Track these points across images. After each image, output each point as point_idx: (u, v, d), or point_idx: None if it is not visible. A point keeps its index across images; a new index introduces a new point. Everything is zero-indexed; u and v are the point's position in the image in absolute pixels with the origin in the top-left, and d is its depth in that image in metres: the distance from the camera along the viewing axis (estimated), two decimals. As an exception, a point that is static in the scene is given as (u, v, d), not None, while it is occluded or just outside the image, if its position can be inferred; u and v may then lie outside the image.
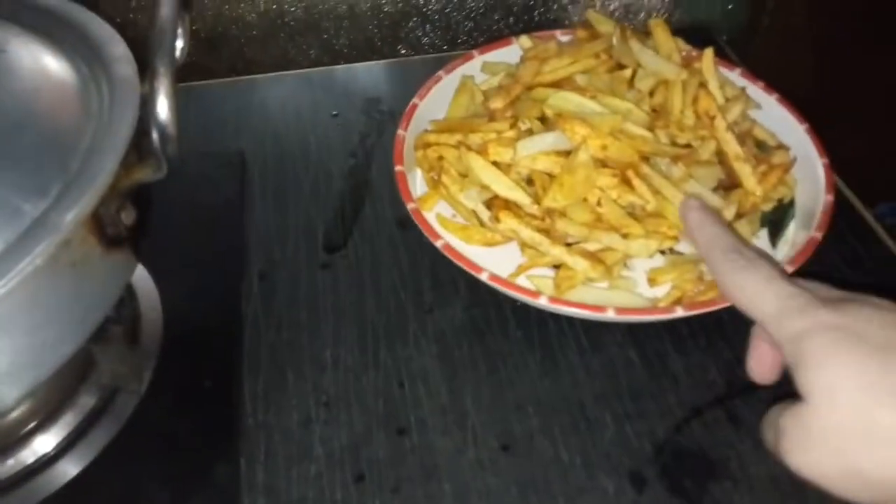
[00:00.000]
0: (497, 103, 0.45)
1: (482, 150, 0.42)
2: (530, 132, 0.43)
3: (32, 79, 0.34)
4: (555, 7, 0.68)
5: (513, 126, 0.43)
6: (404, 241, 0.47)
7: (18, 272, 0.27)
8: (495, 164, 0.42)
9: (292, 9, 0.63)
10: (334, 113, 0.58)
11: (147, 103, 0.29)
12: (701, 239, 0.34)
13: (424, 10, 0.66)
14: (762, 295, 0.30)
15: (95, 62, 0.35)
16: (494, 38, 0.57)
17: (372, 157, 0.54)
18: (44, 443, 0.38)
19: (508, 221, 0.41)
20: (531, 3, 0.68)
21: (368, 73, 0.63)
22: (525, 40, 0.51)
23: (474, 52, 0.53)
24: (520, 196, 0.41)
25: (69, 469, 0.37)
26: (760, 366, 0.33)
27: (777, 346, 0.29)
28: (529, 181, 0.42)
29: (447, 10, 0.66)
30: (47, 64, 0.34)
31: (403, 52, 0.68)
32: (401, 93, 0.57)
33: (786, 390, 0.29)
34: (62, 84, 0.34)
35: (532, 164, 0.41)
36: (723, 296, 0.32)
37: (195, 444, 0.37)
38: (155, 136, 0.29)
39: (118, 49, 0.35)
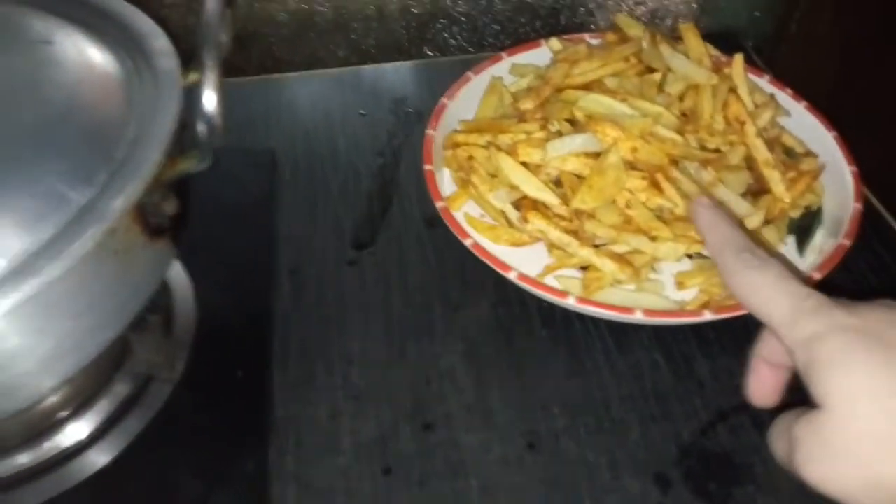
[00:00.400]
0: (527, 104, 0.45)
1: (512, 151, 0.43)
2: (560, 134, 0.43)
3: (78, 70, 0.34)
4: (581, 11, 0.69)
5: (542, 127, 0.44)
6: (432, 239, 0.48)
7: (67, 258, 0.27)
8: (525, 164, 0.43)
9: (322, 9, 0.64)
10: (362, 112, 0.58)
11: (193, 95, 0.30)
12: (712, 238, 0.33)
13: (452, 12, 0.66)
14: (775, 295, 0.28)
15: (138, 55, 0.35)
16: (521, 40, 0.57)
17: (400, 156, 0.54)
18: (78, 429, 0.38)
19: (537, 222, 0.41)
20: (557, 6, 0.68)
21: (396, 74, 0.63)
22: (555, 42, 0.52)
23: (502, 53, 0.54)
24: (549, 197, 0.42)
25: (102, 456, 0.37)
26: (762, 388, 0.32)
27: (788, 350, 0.27)
28: (558, 182, 0.43)
29: (474, 13, 0.67)
30: (92, 56, 0.35)
31: (430, 53, 0.68)
32: (427, 93, 0.58)
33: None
34: (106, 76, 0.34)
35: (561, 166, 0.42)
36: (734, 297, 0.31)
37: (226, 434, 0.38)
38: (201, 127, 0.30)
39: (160, 42, 0.35)
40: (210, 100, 0.29)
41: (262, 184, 0.51)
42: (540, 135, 0.43)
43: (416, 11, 0.65)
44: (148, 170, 0.30)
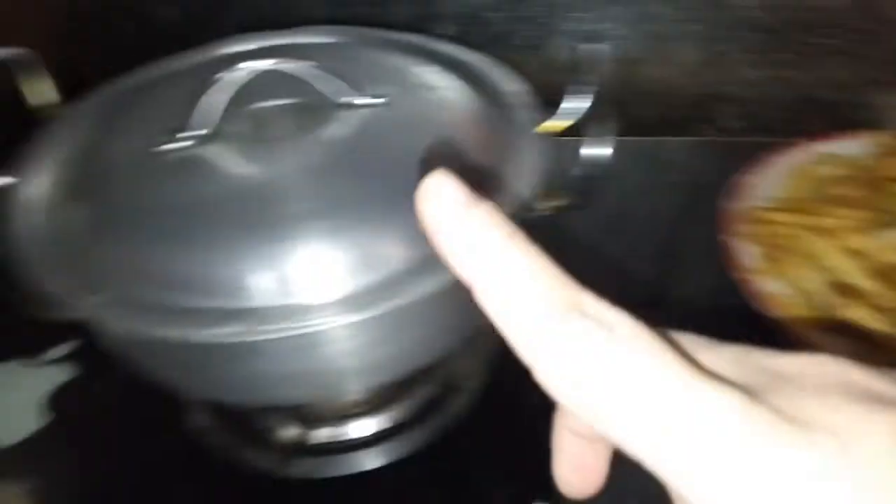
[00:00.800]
0: (850, 191, 0.44)
1: (832, 235, 0.42)
2: (886, 224, 0.42)
3: (455, 113, 0.39)
4: (865, 109, 0.67)
5: (868, 216, 0.43)
6: (720, 309, 0.48)
7: (440, 276, 0.31)
8: (845, 250, 0.42)
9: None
10: (646, 182, 0.60)
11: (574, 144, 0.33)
12: (486, 266, 0.17)
13: (733, 96, 0.67)
14: (679, 412, 0.14)
15: (500, 103, 0.40)
16: (798, 129, 0.57)
17: (685, 226, 0.55)
18: (378, 421, 0.42)
19: (857, 311, 0.40)
20: (838, 99, 0.67)
21: (674, 148, 0.65)
22: (880, 135, 0.51)
23: (802, 139, 0.54)
24: (872, 285, 0.40)
25: (394, 450, 0.41)
26: (575, 470, 0.20)
27: None
28: (879, 272, 0.41)
29: (755, 99, 0.67)
30: (465, 102, 0.40)
31: (711, 132, 0.69)
32: (710, 169, 0.59)
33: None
34: (476, 119, 0.39)
35: (888, 257, 0.40)
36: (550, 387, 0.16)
37: (511, 454, 0.40)
38: (580, 171, 0.33)
39: (522, 96, 0.40)
40: (590, 149, 0.33)
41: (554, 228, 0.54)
42: (864, 222, 0.42)
43: (698, 91, 0.67)
44: (518, 203, 0.34)
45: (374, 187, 0.35)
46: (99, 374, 0.47)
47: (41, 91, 0.43)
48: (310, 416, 0.42)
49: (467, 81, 0.41)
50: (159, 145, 0.35)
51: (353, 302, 0.31)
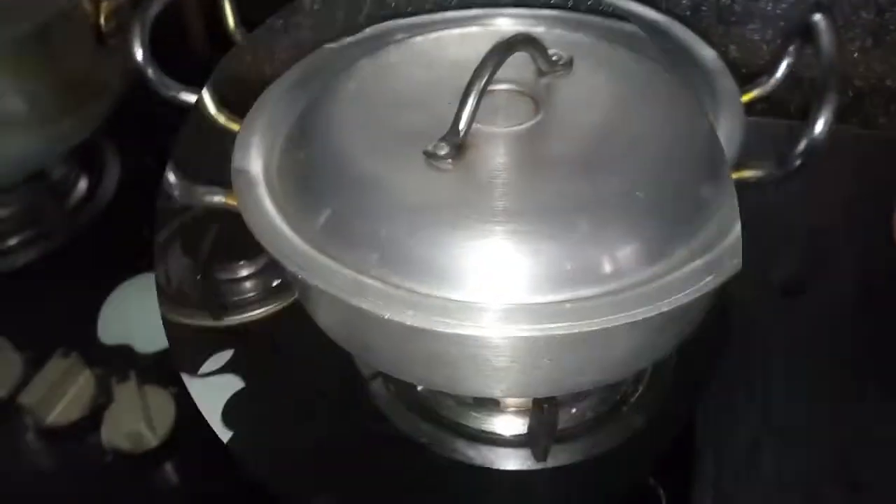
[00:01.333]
0: None
1: None
2: None
3: (667, 87, 0.38)
4: None
5: None
6: (873, 301, 0.47)
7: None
8: None
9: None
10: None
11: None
12: None
13: (888, 88, 0.64)
14: None
15: (699, 74, 0.39)
16: None
17: (836, 212, 0.53)
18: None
19: None
20: None
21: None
22: None
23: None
24: None
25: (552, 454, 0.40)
26: None
27: None
28: None
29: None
30: (664, 67, 0.39)
31: (852, 123, 0.66)
32: (852, 160, 0.56)
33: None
34: (684, 89, 0.38)
35: None
36: None
37: (654, 440, 0.40)
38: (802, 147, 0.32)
39: (719, 64, 0.39)
40: (819, 126, 0.32)
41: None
42: None
43: (856, 83, 0.64)
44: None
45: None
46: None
47: (228, 16, 0.44)
48: (491, 407, 0.42)
49: (663, 45, 0.40)
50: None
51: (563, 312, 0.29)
